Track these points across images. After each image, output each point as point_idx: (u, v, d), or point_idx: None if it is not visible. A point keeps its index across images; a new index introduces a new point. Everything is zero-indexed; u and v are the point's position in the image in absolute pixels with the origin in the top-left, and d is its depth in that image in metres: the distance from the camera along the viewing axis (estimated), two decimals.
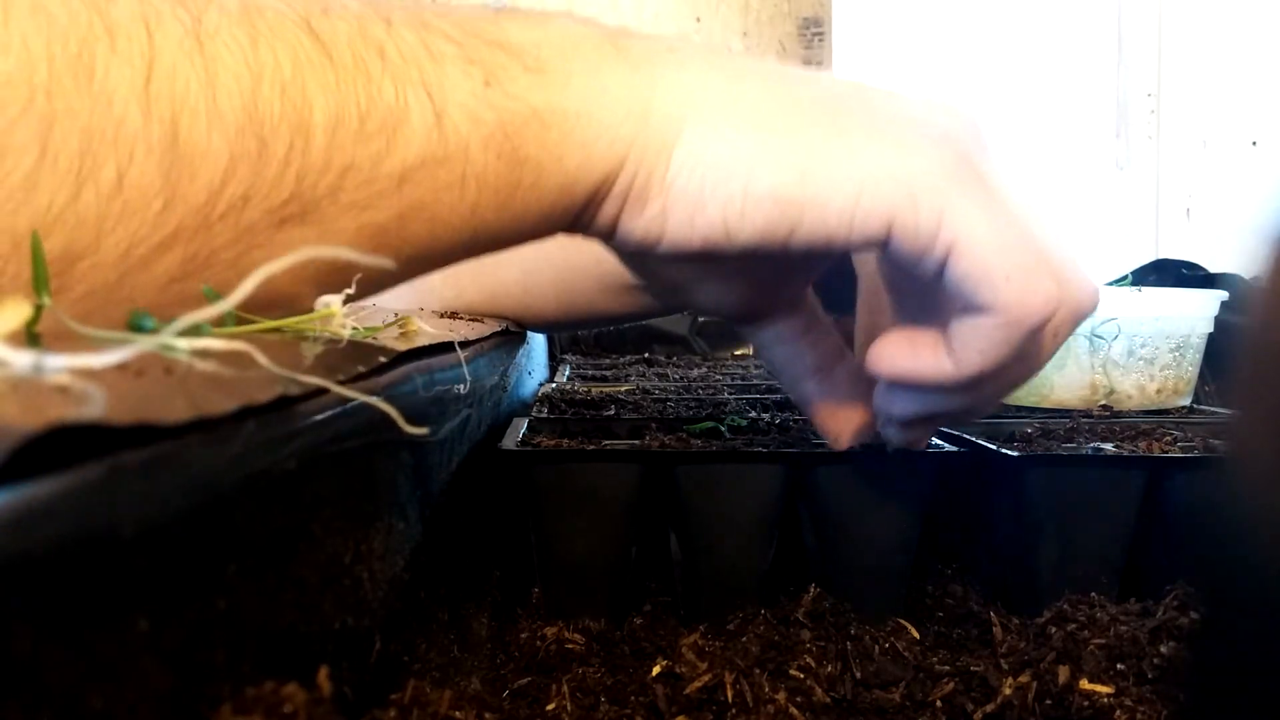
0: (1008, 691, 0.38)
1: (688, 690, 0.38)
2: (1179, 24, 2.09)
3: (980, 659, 0.41)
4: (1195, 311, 0.67)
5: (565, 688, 0.39)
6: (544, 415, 0.60)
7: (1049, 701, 0.38)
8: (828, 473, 0.45)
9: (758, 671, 0.39)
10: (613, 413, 0.63)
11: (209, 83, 0.28)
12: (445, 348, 0.36)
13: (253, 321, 0.28)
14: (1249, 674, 0.18)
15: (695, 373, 1.02)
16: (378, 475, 0.29)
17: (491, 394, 0.51)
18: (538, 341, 0.93)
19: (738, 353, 1.36)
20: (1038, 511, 0.45)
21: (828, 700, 0.38)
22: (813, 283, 0.45)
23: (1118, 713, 0.36)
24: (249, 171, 0.29)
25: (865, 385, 0.44)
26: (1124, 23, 2.15)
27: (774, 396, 0.71)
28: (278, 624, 0.21)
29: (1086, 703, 0.37)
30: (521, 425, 0.52)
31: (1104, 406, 0.64)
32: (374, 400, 0.25)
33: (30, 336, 0.21)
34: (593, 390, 0.78)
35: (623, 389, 0.80)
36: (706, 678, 0.39)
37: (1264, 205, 0.18)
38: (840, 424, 0.44)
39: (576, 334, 1.35)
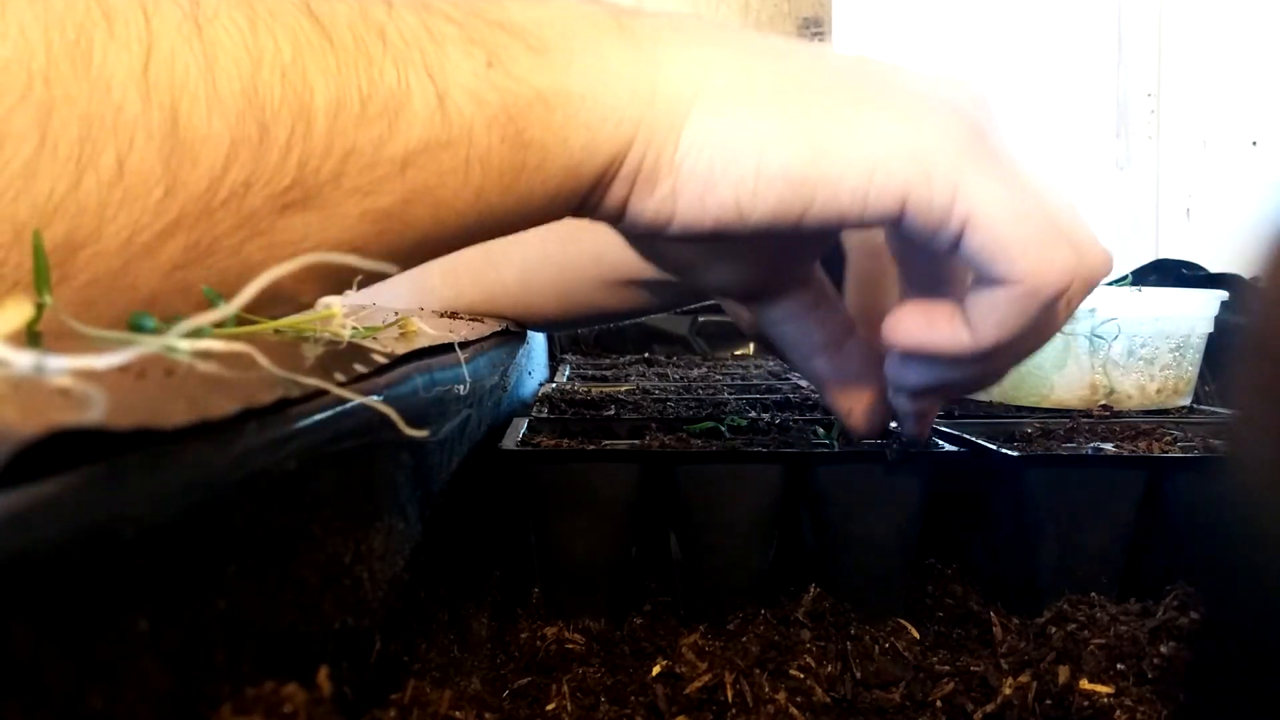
0: (1008, 691, 0.38)
1: (688, 690, 0.38)
2: (1179, 24, 2.09)
3: (980, 659, 0.41)
4: (1195, 311, 0.67)
5: (565, 688, 0.39)
6: (544, 415, 0.60)
7: (1049, 701, 0.38)
8: (828, 472, 0.45)
9: (758, 671, 0.39)
10: (613, 413, 0.63)
11: (208, 67, 0.28)
12: (445, 348, 0.36)
13: (253, 321, 0.28)
14: (1249, 674, 0.18)
15: (695, 373, 1.02)
16: (378, 476, 0.29)
17: (491, 394, 0.51)
18: (538, 341, 0.93)
19: (738, 353, 1.36)
20: (1038, 511, 0.45)
21: (828, 700, 0.38)
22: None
23: (1118, 713, 0.36)
24: (250, 157, 0.28)
25: (875, 360, 0.43)
26: (1124, 23, 2.15)
27: (774, 396, 0.71)
28: (278, 624, 0.21)
29: (1086, 703, 0.37)
30: (521, 425, 0.52)
31: (1104, 406, 0.64)
32: (373, 401, 0.25)
33: (31, 336, 0.21)
34: (593, 390, 0.78)
35: (623, 389, 0.80)
36: (706, 678, 0.39)
37: (1264, 205, 0.18)
38: (852, 400, 0.44)
39: (576, 334, 1.35)
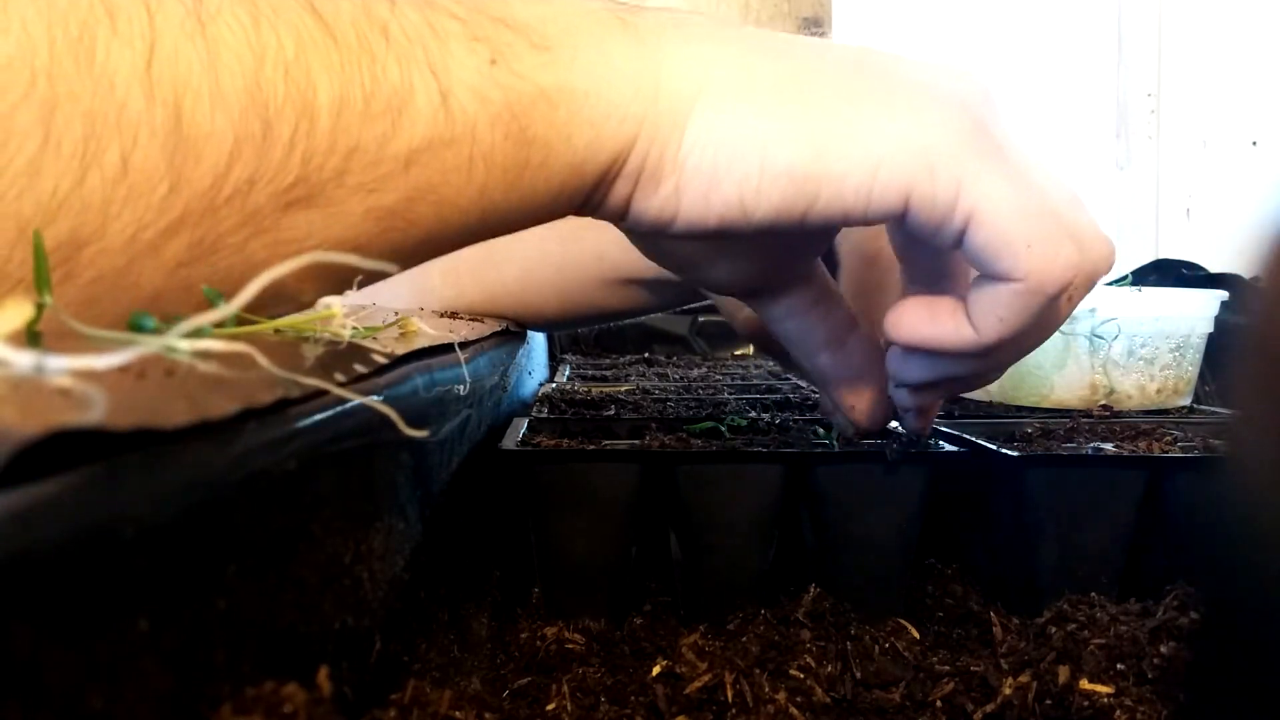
0: (1008, 691, 0.38)
1: (688, 690, 0.38)
2: (1179, 24, 2.09)
3: (980, 659, 0.41)
4: (1195, 311, 0.67)
5: (565, 688, 0.39)
6: (544, 415, 0.60)
7: (1049, 701, 0.38)
8: (828, 472, 0.45)
9: (758, 671, 0.39)
10: (613, 413, 0.63)
11: (211, 64, 0.28)
12: (445, 348, 0.36)
13: (253, 321, 0.28)
14: (1249, 674, 0.18)
15: (695, 373, 1.02)
16: (377, 476, 0.29)
17: (491, 394, 0.51)
18: (538, 341, 0.93)
19: (738, 353, 1.36)
20: (1038, 511, 0.45)
21: (828, 700, 0.38)
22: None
23: (1118, 713, 0.36)
24: (254, 154, 0.28)
25: (878, 356, 0.43)
26: (1124, 23, 2.15)
27: (774, 396, 0.71)
28: (278, 624, 0.21)
29: (1086, 703, 0.37)
30: (522, 425, 0.52)
31: (1104, 406, 0.64)
32: (373, 402, 0.25)
33: (31, 336, 0.21)
34: (593, 390, 0.78)
35: (623, 389, 0.80)
36: (706, 678, 0.39)
37: (1264, 205, 0.18)
38: (855, 396, 0.44)
39: (576, 334, 1.35)
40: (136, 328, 0.24)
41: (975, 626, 0.46)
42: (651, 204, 0.35)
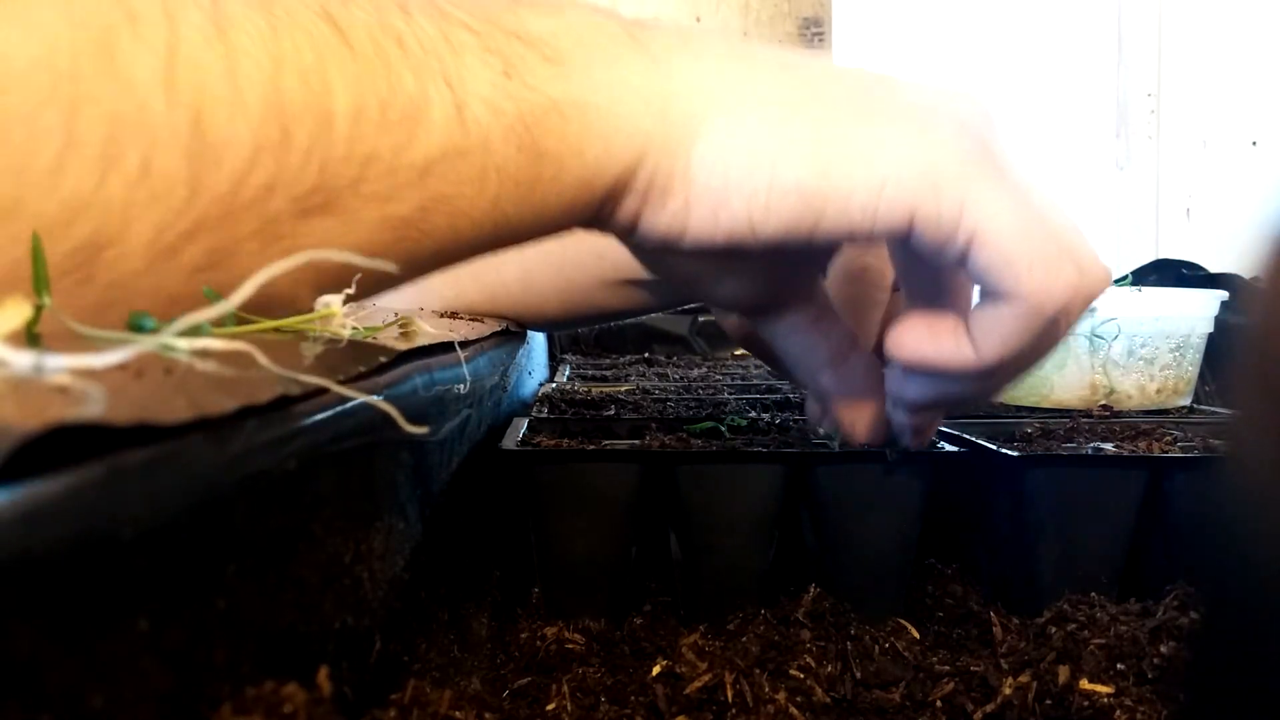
0: (1008, 691, 0.38)
1: (688, 690, 0.38)
2: (1179, 24, 2.09)
3: (980, 659, 0.41)
4: (1195, 311, 0.67)
5: (565, 688, 0.39)
6: (544, 415, 0.60)
7: (1049, 701, 0.38)
8: (828, 473, 0.45)
9: (758, 671, 0.39)
10: (613, 413, 0.63)
11: (231, 70, 0.28)
12: (445, 348, 0.36)
13: (253, 322, 0.28)
14: (1249, 674, 0.18)
15: (695, 373, 1.02)
16: (378, 475, 0.29)
17: (491, 394, 0.51)
18: (538, 341, 0.93)
19: (738, 353, 1.36)
20: (1038, 511, 0.45)
21: (828, 700, 0.38)
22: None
23: (1118, 713, 0.36)
24: (272, 160, 0.28)
25: (878, 374, 0.44)
26: (1124, 23, 2.15)
27: (774, 396, 0.71)
28: (278, 624, 0.21)
29: (1086, 703, 0.37)
30: (522, 425, 0.52)
31: (1104, 406, 0.64)
32: (374, 400, 0.25)
33: (30, 337, 0.21)
34: (593, 390, 0.78)
35: (623, 389, 0.80)
36: (706, 678, 0.39)
37: (1264, 205, 0.18)
38: (856, 414, 0.45)
39: (576, 334, 1.35)
40: (136, 328, 0.24)
41: (975, 626, 0.46)
42: (660, 219, 0.35)
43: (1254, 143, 1.96)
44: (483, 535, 0.49)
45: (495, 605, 0.47)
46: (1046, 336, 0.35)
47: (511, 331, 0.62)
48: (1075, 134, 2.18)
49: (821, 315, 0.44)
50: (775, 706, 0.37)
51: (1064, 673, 0.39)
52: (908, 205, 0.33)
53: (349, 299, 0.30)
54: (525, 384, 0.74)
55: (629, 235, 0.36)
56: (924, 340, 0.37)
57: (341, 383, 0.23)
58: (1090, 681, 0.38)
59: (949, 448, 0.48)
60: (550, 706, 0.38)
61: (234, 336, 0.22)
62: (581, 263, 0.65)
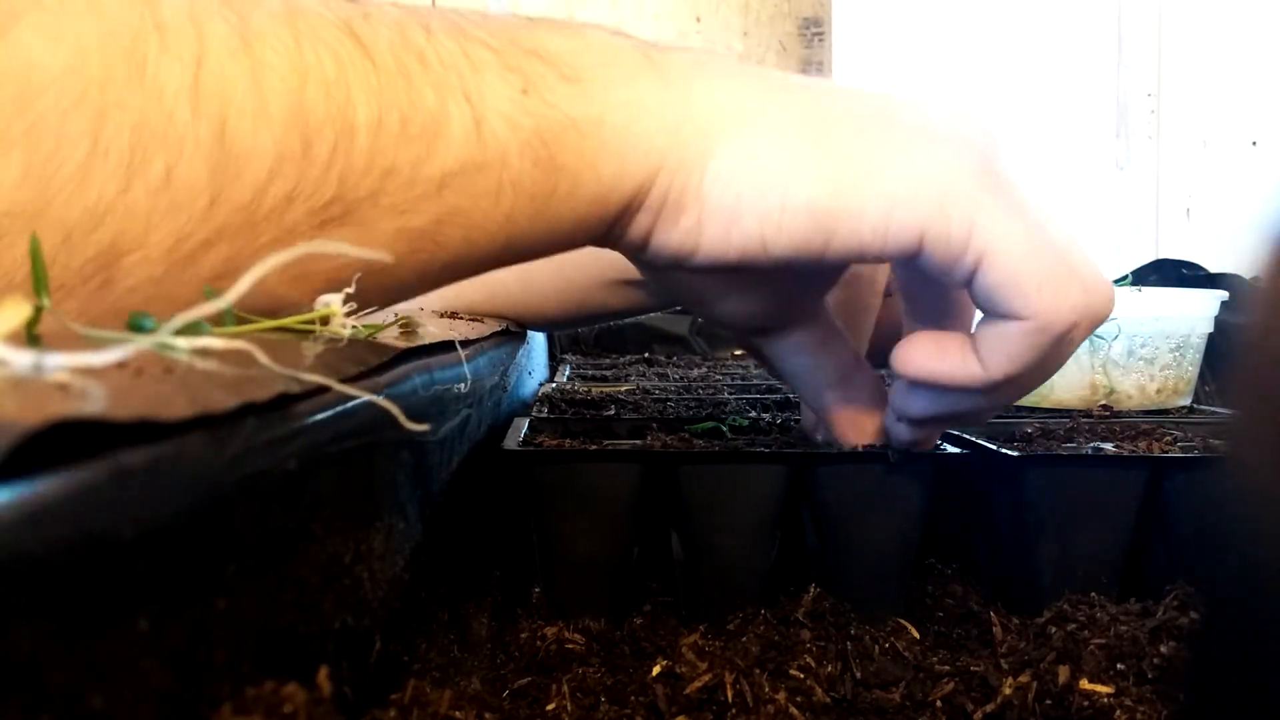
0: (1008, 691, 0.38)
1: (688, 690, 0.38)
2: (1179, 24, 2.09)
3: (980, 659, 0.41)
4: (1195, 311, 0.67)
5: (565, 688, 0.39)
6: (544, 415, 0.60)
7: (1049, 701, 0.38)
8: (829, 473, 0.45)
9: (758, 671, 0.39)
10: (613, 413, 0.63)
11: (256, 82, 0.28)
12: (445, 347, 0.36)
13: (252, 322, 0.28)
14: (1249, 674, 0.18)
15: (695, 373, 1.02)
16: (378, 475, 0.29)
17: (491, 394, 0.51)
18: (538, 341, 0.93)
19: (738, 353, 1.36)
20: (1038, 511, 0.45)
21: (828, 700, 0.38)
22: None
23: (1118, 713, 0.36)
24: (294, 171, 0.29)
25: (881, 391, 0.44)
26: (1124, 23, 2.15)
27: (774, 396, 0.71)
28: (278, 624, 0.21)
29: (1086, 703, 0.37)
30: (523, 425, 0.52)
31: (1104, 406, 0.64)
32: (375, 398, 0.25)
33: (30, 337, 0.21)
34: (593, 390, 0.78)
35: (623, 389, 0.80)
36: (706, 678, 0.39)
37: (1264, 205, 0.18)
38: (859, 433, 0.45)
39: (576, 334, 1.35)
40: (135, 328, 0.24)
41: (975, 626, 0.46)
42: (672, 236, 0.35)
43: (1254, 143, 1.96)
44: (483, 535, 0.49)
45: (495, 605, 0.47)
46: (1053, 355, 0.36)
47: (511, 331, 0.62)
48: (1075, 134, 2.18)
49: (828, 336, 0.44)
50: (775, 706, 0.37)
51: (1064, 673, 0.39)
52: (918, 226, 0.34)
53: (360, 309, 0.31)
54: (525, 384, 0.74)
55: (640, 252, 0.37)
56: (931, 356, 0.38)
57: (342, 382, 0.23)
58: (1090, 681, 0.38)
59: (950, 448, 0.48)
60: (550, 706, 0.38)
61: (234, 335, 0.22)
62: (581, 263, 0.65)
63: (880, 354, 0.47)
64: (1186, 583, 0.43)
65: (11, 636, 0.13)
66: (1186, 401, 0.68)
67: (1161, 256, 0.96)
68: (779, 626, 0.43)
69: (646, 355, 1.31)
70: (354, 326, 0.30)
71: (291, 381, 0.21)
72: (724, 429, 0.54)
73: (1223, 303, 0.68)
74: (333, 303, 0.29)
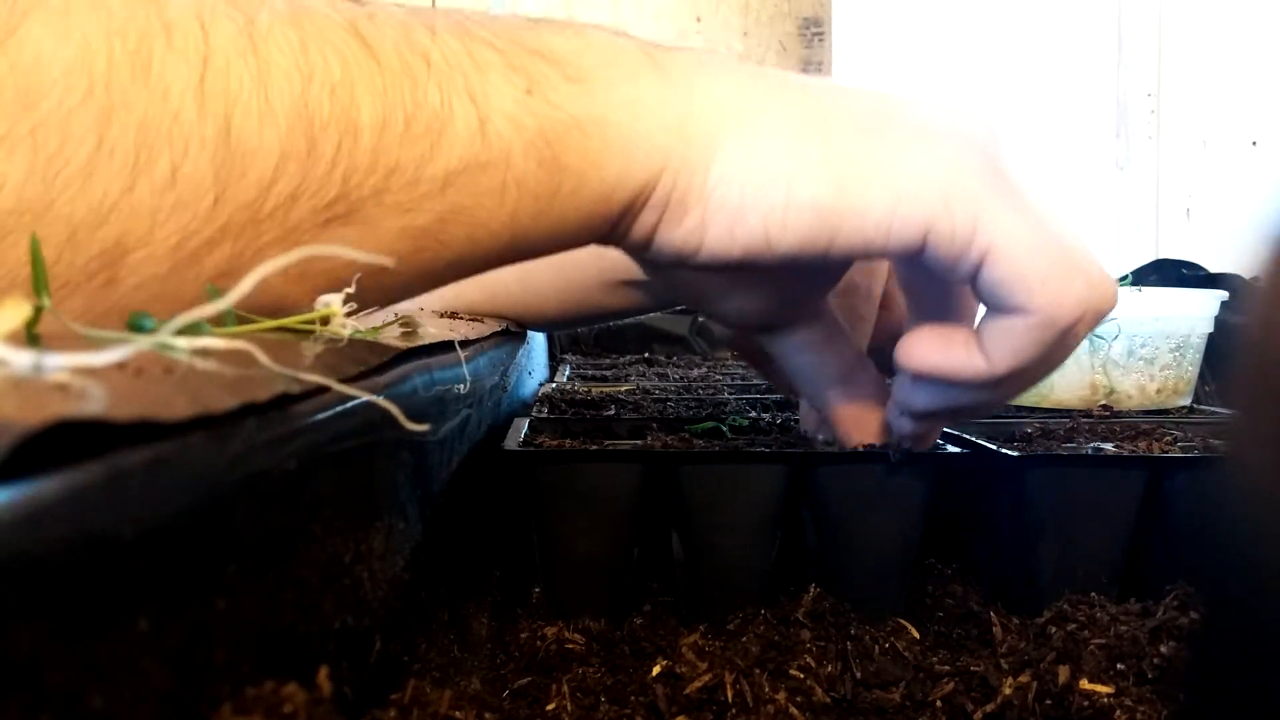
0: (1008, 691, 0.38)
1: (688, 690, 0.38)
2: (1179, 24, 2.09)
3: (980, 659, 0.41)
4: (1195, 311, 0.67)
5: (565, 688, 0.39)
6: (544, 415, 0.60)
7: (1049, 701, 0.38)
8: (829, 473, 0.45)
9: (758, 671, 0.39)
10: (613, 413, 0.63)
11: (261, 81, 0.28)
12: (445, 347, 0.36)
13: (253, 322, 0.28)
14: (1249, 674, 0.18)
15: (695, 373, 1.02)
16: (378, 475, 0.29)
17: (491, 394, 0.51)
18: (538, 341, 0.93)
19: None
20: (1038, 511, 0.45)
21: (828, 700, 0.38)
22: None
23: (1118, 713, 0.36)
24: (298, 169, 0.29)
25: (884, 389, 0.44)
26: (1124, 23, 2.15)
27: (774, 396, 0.71)
28: (278, 624, 0.21)
29: (1086, 703, 0.37)
30: (523, 425, 0.52)
31: (1104, 406, 0.64)
32: (375, 399, 0.25)
33: (30, 337, 0.21)
34: (593, 390, 0.78)
35: (623, 389, 0.80)
36: (706, 678, 0.39)
37: (1264, 205, 0.18)
38: (862, 431, 0.45)
39: (576, 334, 1.35)
40: (135, 328, 0.24)
41: (975, 626, 0.46)
42: (676, 235, 0.35)
43: (1254, 143, 1.96)
44: (483, 535, 0.49)
45: (495, 605, 0.47)
46: (1058, 349, 0.36)
47: (511, 331, 0.62)
48: (1075, 134, 2.18)
49: (831, 334, 0.44)
50: (775, 706, 0.37)
51: (1064, 673, 0.39)
52: (922, 222, 0.34)
53: (364, 307, 0.31)
54: (525, 384, 0.74)
55: (644, 251, 0.37)
56: (937, 351, 0.38)
57: (342, 382, 0.23)
58: (1090, 681, 0.38)
59: (950, 448, 0.48)
60: (550, 706, 0.38)
61: (234, 336, 0.22)
62: (581, 263, 0.65)
63: (877, 360, 0.47)
64: (1186, 583, 0.43)
65: (11, 636, 0.13)
66: (1186, 401, 0.68)
67: (1161, 256, 0.96)
68: (779, 626, 0.43)
69: (646, 355, 1.31)
70: (354, 327, 0.30)
71: (291, 382, 0.21)
72: (724, 429, 0.54)
73: (1223, 303, 0.68)
74: (333, 303, 0.29)
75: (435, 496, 0.37)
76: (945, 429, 0.51)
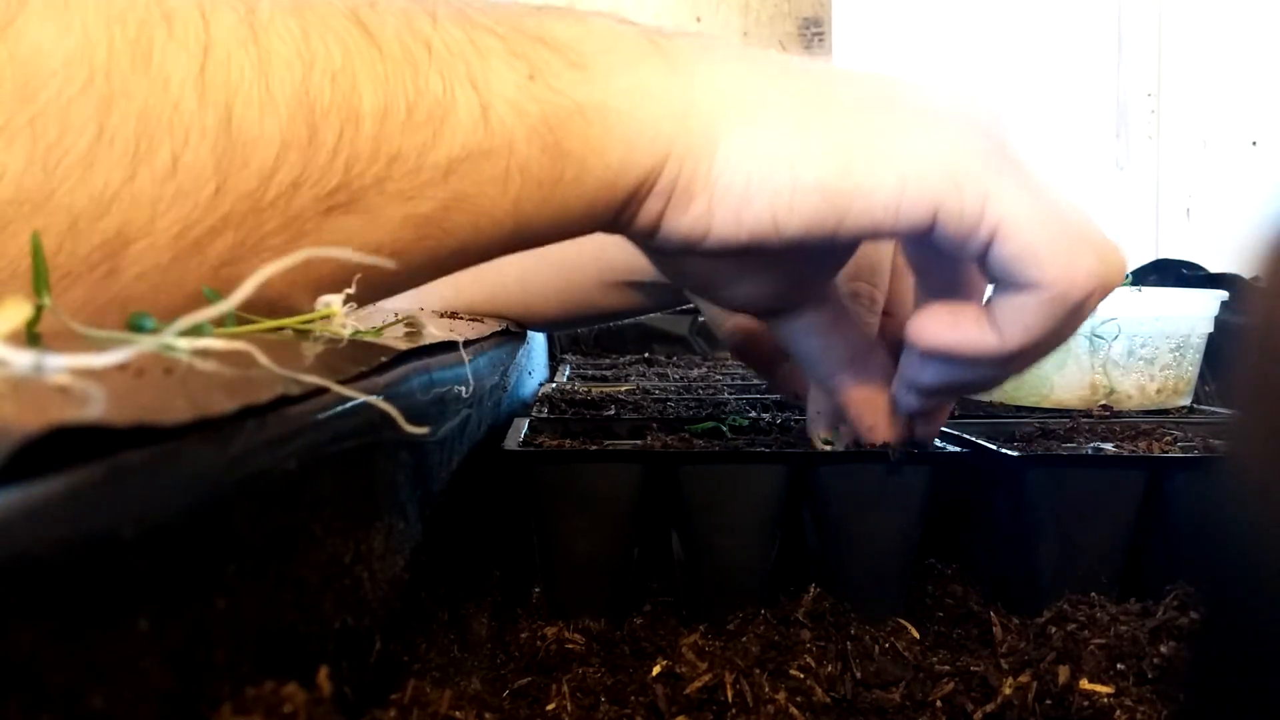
0: (1008, 691, 0.38)
1: (688, 690, 0.38)
2: (1179, 24, 2.09)
3: (980, 659, 0.41)
4: (1195, 311, 0.67)
5: (565, 688, 0.39)
6: (544, 415, 0.60)
7: (1049, 701, 0.38)
8: (830, 473, 0.45)
9: (758, 671, 0.39)
10: (613, 413, 0.63)
11: (262, 70, 0.28)
12: (445, 347, 0.36)
13: (253, 322, 0.28)
14: (1249, 674, 0.18)
15: (695, 373, 1.02)
16: (378, 475, 0.29)
17: (491, 394, 0.51)
18: (538, 341, 0.93)
19: None
20: (1038, 511, 0.45)
21: (828, 700, 0.38)
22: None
23: (1118, 713, 0.36)
24: (299, 158, 0.29)
25: (892, 373, 0.44)
26: (1124, 23, 2.15)
27: (774, 396, 0.71)
28: (278, 624, 0.21)
29: (1086, 703, 0.37)
30: (523, 425, 0.52)
31: (1104, 406, 0.64)
32: (374, 400, 0.25)
33: (30, 336, 0.21)
34: (593, 390, 0.78)
35: (623, 389, 0.80)
36: (706, 678, 0.39)
37: (1264, 205, 0.18)
38: (874, 414, 0.45)
39: (576, 334, 1.35)
40: (136, 328, 0.24)
41: (975, 626, 0.46)
42: (683, 222, 0.35)
43: (1254, 143, 1.96)
44: (483, 535, 0.49)
45: (495, 605, 0.47)
46: (1068, 323, 0.36)
47: (511, 331, 0.62)
48: (1075, 134, 2.18)
49: (838, 317, 0.44)
50: (775, 706, 0.37)
51: (1064, 673, 0.39)
52: (931, 201, 0.34)
53: (365, 300, 0.31)
54: (525, 384, 0.74)
55: (649, 238, 0.37)
56: (947, 326, 0.38)
57: (341, 383, 0.23)
58: (1090, 681, 0.38)
59: (950, 448, 0.48)
60: (550, 706, 0.38)
61: (234, 336, 0.22)
62: (581, 263, 0.65)
63: None
64: (1186, 583, 0.43)
65: (11, 636, 0.13)
66: (1186, 401, 0.68)
67: (1161, 256, 0.96)
68: (779, 626, 0.43)
69: (646, 355, 1.31)
70: (355, 327, 0.30)
71: (291, 383, 0.21)
72: (724, 429, 0.54)
73: (1223, 303, 0.68)
74: (333, 303, 0.29)
75: (435, 496, 0.37)
76: (945, 429, 0.51)
